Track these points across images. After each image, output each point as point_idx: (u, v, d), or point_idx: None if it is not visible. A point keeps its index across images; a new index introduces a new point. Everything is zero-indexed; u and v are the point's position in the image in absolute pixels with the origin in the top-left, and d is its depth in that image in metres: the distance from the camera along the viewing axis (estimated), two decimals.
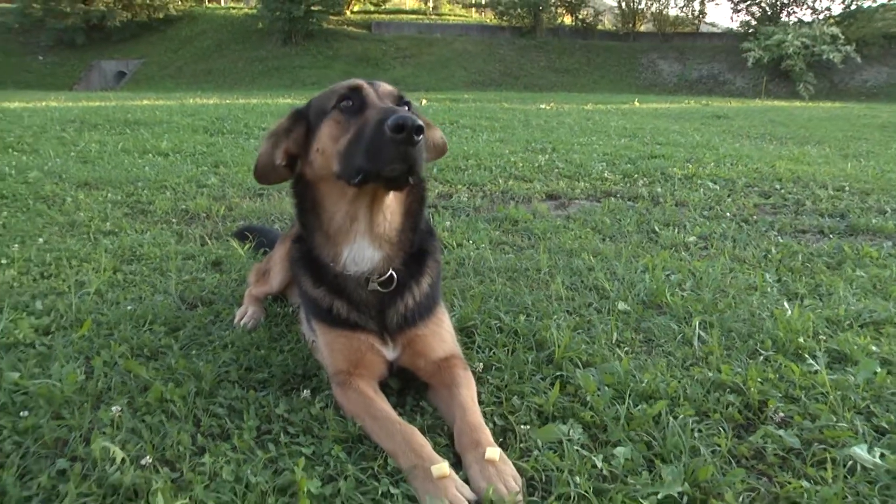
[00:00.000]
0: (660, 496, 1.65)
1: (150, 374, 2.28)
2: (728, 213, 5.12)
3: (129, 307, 2.88)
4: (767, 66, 36.93)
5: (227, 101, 17.65)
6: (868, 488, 1.71)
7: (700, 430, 1.98)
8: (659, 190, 5.98)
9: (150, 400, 2.10)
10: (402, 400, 2.17)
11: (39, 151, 7.68)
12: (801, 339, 2.60)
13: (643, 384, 2.20)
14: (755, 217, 5.05)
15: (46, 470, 1.76)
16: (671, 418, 1.99)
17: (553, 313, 2.86)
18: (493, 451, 1.75)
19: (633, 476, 1.74)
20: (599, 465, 1.76)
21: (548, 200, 5.62)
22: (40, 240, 3.97)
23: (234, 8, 49.60)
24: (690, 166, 7.16)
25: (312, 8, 41.78)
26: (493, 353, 2.47)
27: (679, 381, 2.25)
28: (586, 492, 1.65)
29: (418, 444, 1.78)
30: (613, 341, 2.62)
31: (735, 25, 45.10)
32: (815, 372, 2.34)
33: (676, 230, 4.54)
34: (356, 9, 48.67)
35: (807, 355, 2.50)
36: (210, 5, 50.95)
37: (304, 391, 2.14)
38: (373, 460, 1.80)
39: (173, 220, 4.62)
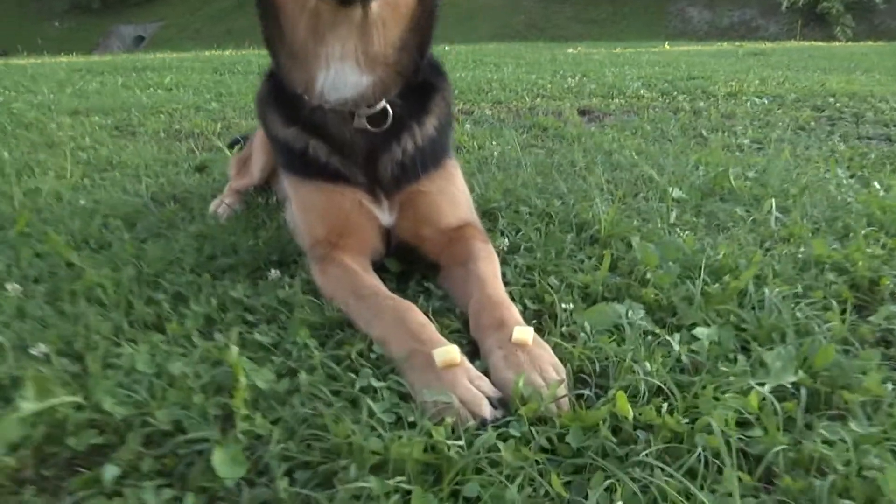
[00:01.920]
0: (767, 388, 1.12)
1: (86, 261, 1.79)
2: (780, 123, 4.50)
3: (82, 202, 2.40)
4: (803, 10, 35.32)
5: (243, 52, 17.10)
6: None
7: (801, 310, 1.44)
8: (701, 104, 5.34)
9: (76, 287, 1.61)
10: (403, 285, 1.66)
11: (34, 92, 7.21)
12: None
13: (718, 259, 1.67)
14: (813, 124, 4.43)
15: None
16: (765, 292, 1.46)
17: (594, 198, 2.32)
18: (524, 332, 1.23)
19: (726, 364, 1.21)
20: (677, 348, 1.24)
21: (580, 116, 5.03)
22: (6, 154, 3.49)
23: None
24: (734, 84, 6.50)
25: None
26: (522, 232, 1.94)
27: (763, 257, 1.71)
28: (663, 383, 1.13)
29: (416, 324, 1.28)
30: (671, 222, 2.08)
31: None
32: None
33: (727, 134, 3.95)
34: None
35: None
36: None
37: (273, 272, 1.64)
38: (351, 347, 1.29)
39: (163, 136, 4.13)
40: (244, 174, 2.47)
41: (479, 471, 0.93)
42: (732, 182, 2.48)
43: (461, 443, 0.95)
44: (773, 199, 2.22)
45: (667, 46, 20.64)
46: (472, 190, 2.28)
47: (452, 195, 1.64)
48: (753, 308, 1.43)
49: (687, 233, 2.00)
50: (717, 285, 1.51)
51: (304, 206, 1.61)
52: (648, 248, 1.63)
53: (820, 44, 24.24)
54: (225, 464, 0.96)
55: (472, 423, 1.04)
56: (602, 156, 3.18)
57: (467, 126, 3.93)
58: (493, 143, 3.51)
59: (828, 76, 8.79)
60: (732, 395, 1.09)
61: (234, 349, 1.08)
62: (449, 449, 0.93)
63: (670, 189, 2.44)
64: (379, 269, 1.66)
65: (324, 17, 1.43)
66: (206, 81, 7.73)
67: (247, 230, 2.07)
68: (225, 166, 3.06)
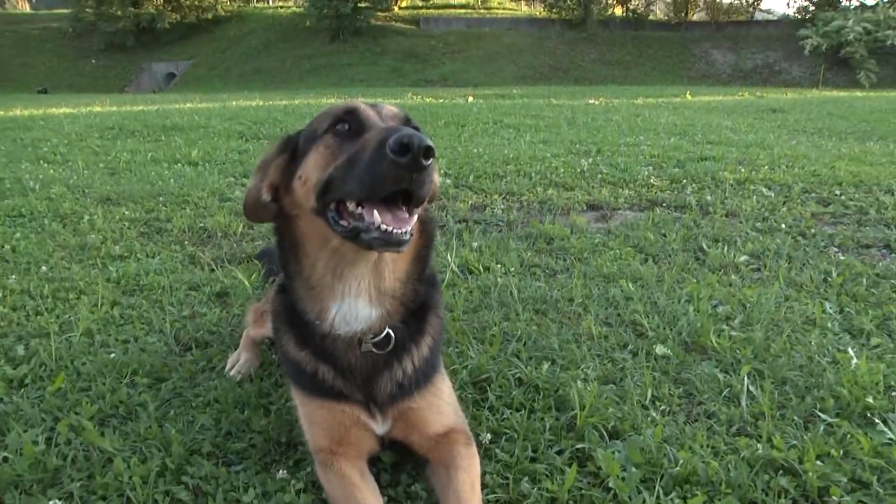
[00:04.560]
0: None
1: (117, 443, 2.02)
2: (783, 225, 4.66)
3: (112, 355, 2.64)
4: (826, 54, 35.51)
5: (270, 103, 17.58)
6: None
7: None
8: (708, 198, 5.54)
9: (108, 480, 1.84)
10: (396, 478, 1.87)
11: (69, 163, 7.60)
12: (869, 399, 2.21)
13: (677, 466, 1.85)
14: (813, 230, 4.58)
15: None
16: None
17: (581, 360, 2.52)
18: None
19: None
20: None
21: (588, 211, 5.24)
22: (44, 268, 3.78)
23: (281, 7, 50.12)
24: (743, 170, 6.67)
25: (360, 5, 41.91)
26: (507, 417, 2.14)
27: (722, 459, 1.89)
28: None
29: None
30: (648, 399, 2.27)
31: (791, 12, 43.75)
32: (890, 443, 1.96)
33: (726, 247, 4.12)
34: (404, 4, 48.69)
35: (877, 419, 2.11)
36: (258, 5, 51.61)
37: (281, 471, 1.86)
38: None
39: (186, 241, 4.40)
40: (261, 325, 2.69)
41: None
42: (714, 341, 2.66)
43: None
44: (748, 369, 2.40)
45: (688, 97, 20.93)
46: (464, 362, 2.50)
47: (439, 407, 1.85)
48: None
49: (662, 408, 2.19)
50: (669, 497, 1.70)
51: (309, 418, 1.84)
52: (612, 455, 1.82)
53: (841, 94, 24.35)
54: None
55: None
56: (600, 284, 3.39)
57: (475, 243, 4.14)
58: (498, 264, 3.73)
59: (842, 145, 8.96)
60: None
61: None
62: None
63: (656, 346, 2.64)
64: (376, 459, 1.88)
65: (346, 257, 1.66)
66: (231, 154, 8.06)
67: (260, 398, 2.29)
68: (243, 296, 3.32)
